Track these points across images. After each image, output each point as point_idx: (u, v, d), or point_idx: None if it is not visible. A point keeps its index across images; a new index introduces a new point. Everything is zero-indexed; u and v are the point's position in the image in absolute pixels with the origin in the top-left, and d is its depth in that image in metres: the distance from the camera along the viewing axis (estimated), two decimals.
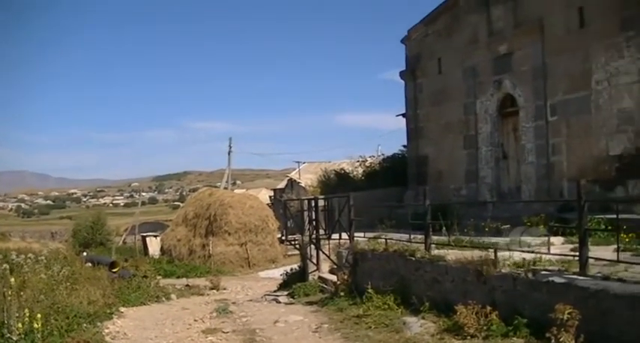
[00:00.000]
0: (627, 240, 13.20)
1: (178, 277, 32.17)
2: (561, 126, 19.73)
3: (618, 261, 10.22)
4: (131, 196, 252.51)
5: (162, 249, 41.38)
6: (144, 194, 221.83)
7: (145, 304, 21.60)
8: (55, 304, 14.86)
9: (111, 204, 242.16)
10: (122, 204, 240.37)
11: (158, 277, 27.80)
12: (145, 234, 45.90)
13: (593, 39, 18.50)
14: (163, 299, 23.19)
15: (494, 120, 23.06)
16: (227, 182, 62.78)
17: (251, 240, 37.89)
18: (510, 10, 21.91)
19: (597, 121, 18.40)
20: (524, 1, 21.38)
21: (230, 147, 62.99)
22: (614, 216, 12.12)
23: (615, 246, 10.64)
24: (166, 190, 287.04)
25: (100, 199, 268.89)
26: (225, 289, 27.24)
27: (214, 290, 26.66)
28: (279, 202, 46.00)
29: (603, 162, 18.19)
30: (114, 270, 24.56)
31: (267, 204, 48.59)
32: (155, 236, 44.18)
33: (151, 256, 39.42)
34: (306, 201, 24.40)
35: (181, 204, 66.84)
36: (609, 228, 13.58)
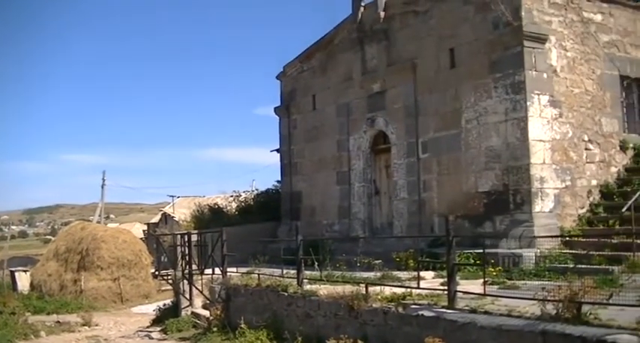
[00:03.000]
0: (494, 273, 13.59)
1: (49, 313, 31.13)
2: (432, 163, 20.15)
3: (485, 295, 10.49)
4: (0, 230, 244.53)
5: (32, 284, 39.99)
6: (13, 227, 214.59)
7: (12, 342, 20.88)
8: None
9: None
10: None
11: (27, 314, 26.91)
12: (13, 269, 44.33)
13: (464, 79, 19.04)
14: (32, 336, 22.46)
15: (366, 157, 23.38)
16: (100, 216, 61.65)
17: (124, 275, 37.06)
18: (384, 50, 22.34)
19: (467, 159, 18.88)
20: (398, 41, 21.84)
21: (104, 180, 61.99)
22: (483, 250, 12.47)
23: (485, 280, 10.92)
24: (37, 224, 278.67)
25: None
26: (97, 325, 26.54)
27: (86, 327, 25.95)
28: (152, 237, 45.36)
29: (472, 198, 18.64)
30: None
31: (141, 239, 47.73)
32: (25, 271, 42.67)
33: (19, 292, 38.04)
34: (179, 236, 24.14)
35: (53, 238, 65.09)
36: (477, 262, 13.90)
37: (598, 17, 19.23)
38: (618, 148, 19.19)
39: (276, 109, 28.60)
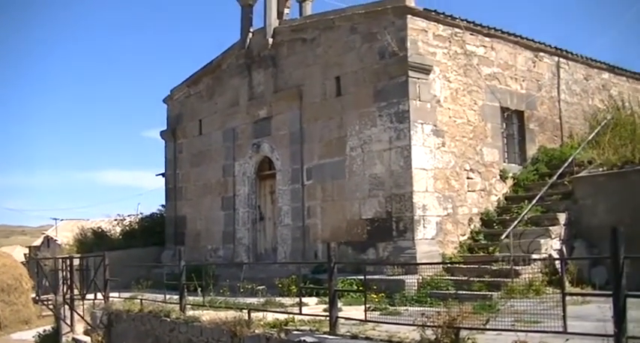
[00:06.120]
0: (377, 299, 13.70)
1: None
2: (317, 189, 20.27)
3: (366, 321, 10.56)
4: None
5: None
6: None
7: None
8: None
9: None
10: None
11: None
12: None
13: (349, 107, 19.24)
14: None
15: (252, 183, 23.38)
16: None
17: (3, 300, 35.89)
18: (271, 76, 22.41)
19: (351, 186, 19.05)
20: (285, 68, 21.95)
21: None
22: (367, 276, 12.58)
23: (367, 306, 11.00)
24: None
25: None
26: None
27: None
28: (33, 260, 44.24)
29: (356, 225, 18.80)
30: None
31: (22, 262, 46.47)
32: None
33: None
34: (60, 260, 23.61)
35: None
36: (361, 288, 13.99)
37: (480, 50, 19.77)
38: (498, 177, 19.70)
39: (162, 133, 28.32)
